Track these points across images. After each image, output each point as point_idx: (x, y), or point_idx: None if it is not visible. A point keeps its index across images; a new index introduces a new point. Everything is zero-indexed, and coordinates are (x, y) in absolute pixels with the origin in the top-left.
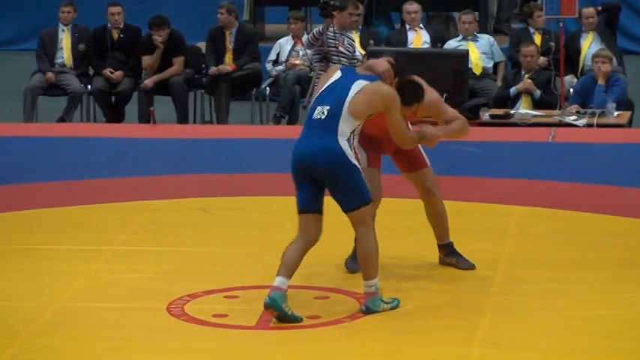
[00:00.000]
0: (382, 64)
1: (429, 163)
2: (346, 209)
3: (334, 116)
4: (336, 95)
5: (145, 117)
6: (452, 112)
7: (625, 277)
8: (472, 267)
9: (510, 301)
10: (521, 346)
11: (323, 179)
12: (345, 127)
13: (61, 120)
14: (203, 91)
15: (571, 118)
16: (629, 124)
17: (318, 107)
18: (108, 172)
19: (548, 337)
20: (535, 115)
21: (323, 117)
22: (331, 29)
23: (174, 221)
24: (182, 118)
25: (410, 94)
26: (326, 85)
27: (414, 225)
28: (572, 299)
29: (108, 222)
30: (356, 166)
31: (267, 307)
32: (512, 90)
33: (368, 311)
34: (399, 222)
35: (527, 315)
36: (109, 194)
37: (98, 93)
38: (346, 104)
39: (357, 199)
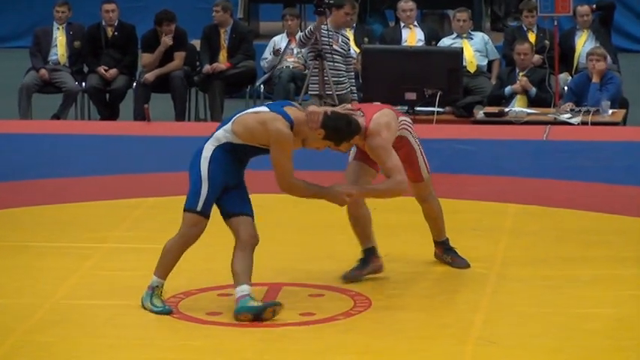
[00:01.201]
0: (317, 107)
1: (425, 176)
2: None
3: (222, 124)
4: (242, 110)
5: (141, 114)
6: (391, 166)
7: (620, 275)
8: (467, 266)
9: (505, 299)
10: (515, 343)
11: None
12: (222, 135)
13: (56, 117)
14: (197, 88)
15: (565, 116)
16: (624, 122)
17: None
18: (102, 170)
19: (542, 334)
20: (529, 113)
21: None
22: (325, 27)
23: (169, 219)
24: (180, 114)
25: (330, 129)
26: None
27: (409, 222)
28: (567, 297)
29: (102, 219)
30: (199, 170)
31: (237, 317)
32: (508, 89)
33: (142, 303)
34: (394, 219)
35: (522, 313)
36: (104, 192)
37: (93, 90)
38: (235, 117)
39: (187, 200)
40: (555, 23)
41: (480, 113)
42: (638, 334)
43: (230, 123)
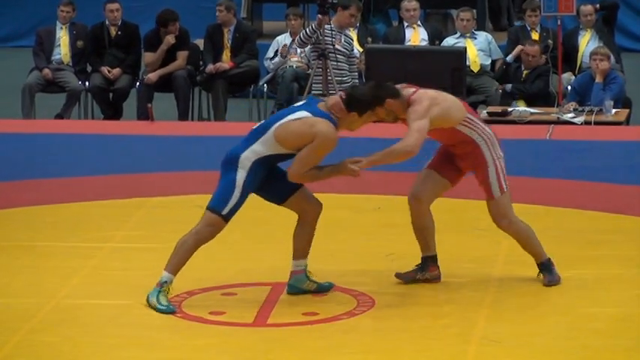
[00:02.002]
0: (332, 98)
1: (496, 195)
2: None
3: (259, 132)
4: (278, 115)
5: (144, 114)
6: (411, 127)
7: (623, 274)
8: (555, 283)
9: (508, 299)
10: (518, 343)
11: None
12: (261, 148)
13: (59, 117)
14: (201, 88)
15: (569, 116)
16: (627, 121)
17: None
18: (106, 169)
19: (545, 334)
20: (533, 113)
21: (255, 127)
22: (328, 27)
23: (172, 218)
24: (184, 113)
25: (360, 106)
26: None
27: None
28: (570, 296)
29: (106, 219)
30: (235, 177)
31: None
32: (509, 57)
33: (147, 299)
34: (398, 219)
35: (525, 312)
36: (107, 191)
37: (96, 90)
38: (275, 126)
39: (214, 200)
40: (559, 23)
41: (483, 113)
42: None
43: (271, 133)
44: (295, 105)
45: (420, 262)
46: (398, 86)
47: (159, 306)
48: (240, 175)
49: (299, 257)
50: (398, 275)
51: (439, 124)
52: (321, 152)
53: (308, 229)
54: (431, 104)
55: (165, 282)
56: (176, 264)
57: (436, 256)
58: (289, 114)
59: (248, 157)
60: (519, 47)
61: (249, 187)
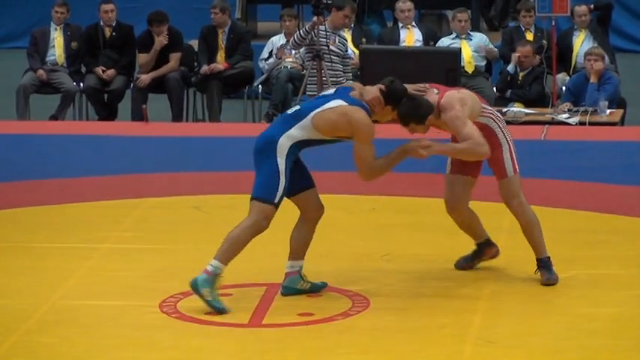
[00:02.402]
0: (371, 91)
1: (509, 173)
2: (251, 195)
3: (296, 117)
4: (313, 103)
5: (139, 115)
6: (466, 132)
7: (619, 275)
8: (555, 281)
9: (504, 299)
10: (514, 343)
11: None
12: (299, 133)
13: (54, 118)
14: (195, 89)
15: (563, 116)
16: (622, 122)
17: (296, 106)
18: (100, 170)
19: (542, 334)
20: (527, 114)
21: (289, 113)
22: (323, 27)
23: (168, 219)
24: (178, 115)
25: (403, 115)
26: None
27: (409, 222)
28: (566, 297)
29: (101, 220)
30: (277, 164)
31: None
32: (511, 67)
33: (194, 285)
34: (394, 219)
35: (521, 312)
36: (102, 192)
37: (91, 91)
38: (313, 114)
39: (262, 191)
40: (553, 23)
41: None
42: (637, 333)
43: (309, 120)
44: (326, 93)
45: (475, 248)
46: (422, 86)
47: (216, 304)
48: (281, 162)
49: (295, 258)
50: (458, 265)
51: None
52: (366, 139)
53: (306, 231)
54: (461, 106)
55: (217, 274)
56: (230, 254)
57: (489, 238)
58: (325, 102)
59: (285, 142)
60: (515, 55)
61: (289, 171)
